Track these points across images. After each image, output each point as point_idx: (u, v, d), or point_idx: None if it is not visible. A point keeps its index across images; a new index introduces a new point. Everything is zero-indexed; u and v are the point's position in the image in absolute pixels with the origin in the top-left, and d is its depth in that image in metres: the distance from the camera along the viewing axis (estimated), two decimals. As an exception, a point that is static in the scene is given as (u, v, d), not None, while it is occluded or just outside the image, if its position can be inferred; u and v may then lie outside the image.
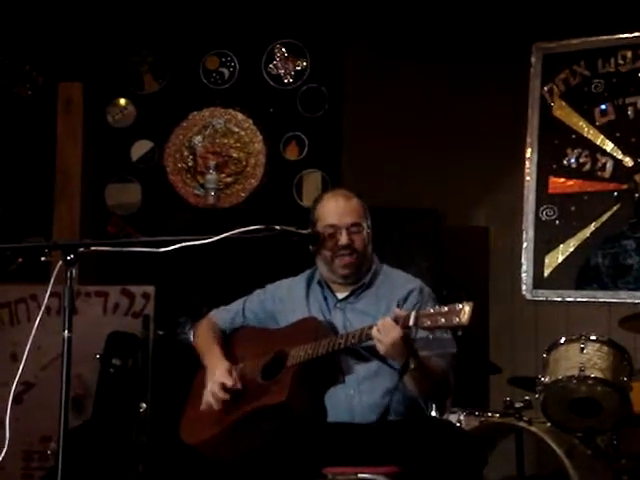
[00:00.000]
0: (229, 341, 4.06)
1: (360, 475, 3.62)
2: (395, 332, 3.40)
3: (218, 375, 3.80)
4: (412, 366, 3.50)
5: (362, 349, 3.69)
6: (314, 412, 3.70)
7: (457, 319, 3.28)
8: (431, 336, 3.53)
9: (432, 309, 3.40)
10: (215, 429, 3.80)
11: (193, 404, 4.01)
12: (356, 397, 3.70)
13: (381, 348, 3.45)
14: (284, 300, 3.97)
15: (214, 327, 4.08)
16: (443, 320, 3.32)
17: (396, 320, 3.42)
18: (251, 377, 3.81)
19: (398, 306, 3.67)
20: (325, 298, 3.89)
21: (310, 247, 3.85)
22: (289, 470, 3.48)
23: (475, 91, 6.17)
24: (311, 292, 3.93)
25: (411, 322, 3.40)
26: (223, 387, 3.76)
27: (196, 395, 4.01)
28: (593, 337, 4.59)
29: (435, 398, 3.86)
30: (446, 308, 3.33)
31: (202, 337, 4.07)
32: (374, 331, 3.45)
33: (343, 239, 3.75)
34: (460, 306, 3.29)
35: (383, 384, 3.71)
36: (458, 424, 4.74)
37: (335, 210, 3.80)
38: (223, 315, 4.10)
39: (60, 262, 3.08)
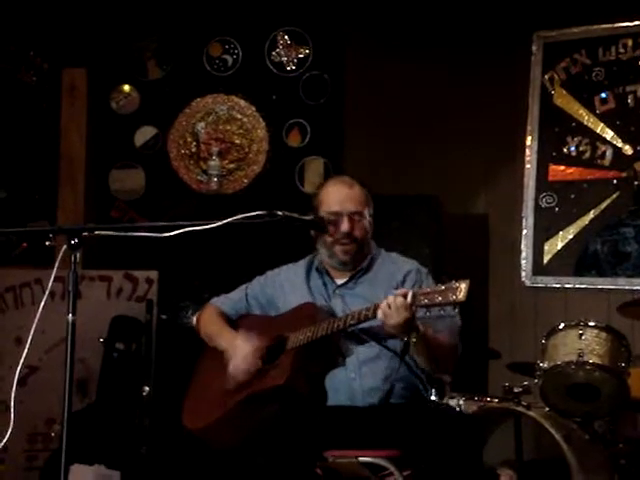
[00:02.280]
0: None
1: (361, 459, 3.67)
2: (407, 313, 3.43)
3: (244, 347, 3.80)
4: (414, 340, 3.55)
5: (362, 333, 3.72)
6: (314, 395, 3.73)
7: (454, 296, 3.31)
8: (428, 313, 3.56)
9: (429, 287, 3.45)
10: (216, 414, 3.83)
11: (195, 391, 4.04)
12: (357, 380, 3.73)
13: (389, 326, 3.49)
14: (284, 286, 4.00)
15: (219, 313, 4.09)
16: (440, 298, 3.36)
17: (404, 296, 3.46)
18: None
19: (397, 289, 3.68)
20: (325, 284, 3.92)
21: (312, 232, 3.89)
22: (291, 453, 3.50)
23: (476, 79, 6.17)
24: (311, 278, 3.96)
25: (408, 300, 3.43)
26: (255, 353, 3.78)
27: (198, 382, 4.04)
28: (592, 323, 4.62)
29: (444, 364, 3.85)
30: (443, 286, 3.36)
31: (210, 323, 4.08)
32: (382, 309, 3.47)
33: (344, 226, 3.78)
34: (457, 284, 3.33)
35: (384, 368, 3.74)
36: (457, 409, 4.77)
37: (337, 197, 3.83)
38: (226, 302, 4.12)
39: (64, 246, 3.10)
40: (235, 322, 4.07)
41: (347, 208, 3.81)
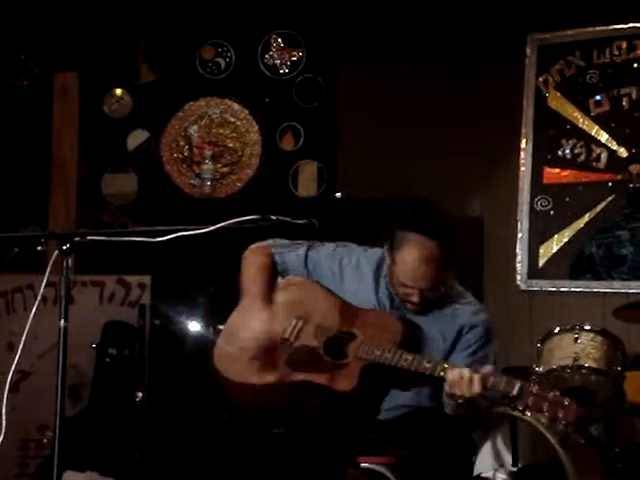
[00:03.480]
0: (294, 290, 3.91)
1: (362, 465, 3.64)
2: (473, 392, 3.36)
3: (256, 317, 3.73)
4: (460, 402, 3.46)
5: None
6: (365, 408, 3.68)
7: (562, 413, 3.23)
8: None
9: (540, 389, 3.32)
10: (264, 379, 3.69)
11: (237, 331, 3.87)
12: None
13: (452, 393, 3.41)
14: (350, 271, 3.85)
15: (269, 265, 3.93)
16: (546, 407, 3.26)
17: (484, 379, 3.36)
18: (313, 344, 3.71)
19: (460, 333, 3.66)
20: (390, 293, 3.76)
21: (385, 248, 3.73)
22: (327, 452, 3.48)
23: (470, 82, 6.16)
24: (380, 279, 3.80)
25: (515, 392, 3.34)
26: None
27: (244, 318, 3.88)
28: (587, 327, 4.60)
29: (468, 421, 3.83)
30: (551, 395, 3.27)
31: (253, 267, 3.94)
32: (454, 374, 3.38)
33: (414, 299, 3.63)
34: (567, 402, 3.24)
35: (407, 398, 3.71)
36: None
37: (412, 274, 3.59)
38: (283, 253, 3.95)
39: (56, 252, 3.08)
40: (304, 285, 3.90)
41: (420, 286, 3.61)
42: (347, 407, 3.58)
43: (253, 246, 4.02)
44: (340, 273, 3.85)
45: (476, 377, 3.34)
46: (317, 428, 3.49)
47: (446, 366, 3.42)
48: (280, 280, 3.94)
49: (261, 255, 3.98)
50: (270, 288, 3.89)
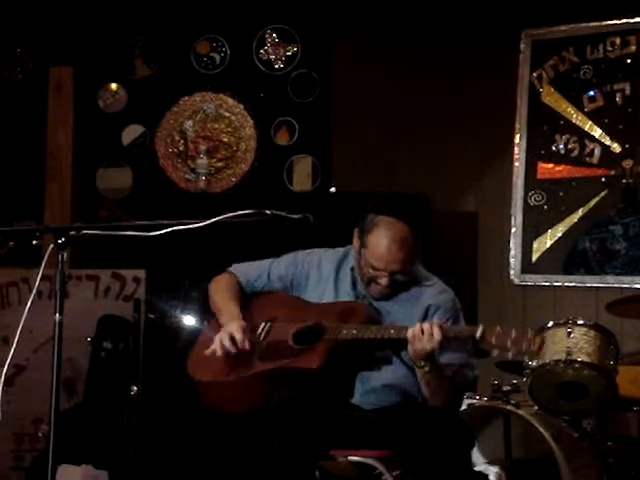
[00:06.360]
0: (260, 301, 4.01)
1: (351, 458, 3.65)
2: (433, 344, 3.45)
3: (230, 326, 3.75)
4: (426, 369, 3.54)
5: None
6: (340, 389, 3.71)
7: (526, 345, 3.35)
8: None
9: (501, 328, 3.43)
10: (233, 375, 3.75)
11: (206, 345, 3.92)
12: (359, 384, 3.74)
13: (414, 348, 3.49)
14: (312, 272, 3.95)
15: (234, 284, 4.03)
16: (509, 343, 3.37)
17: (442, 328, 3.46)
18: (282, 338, 3.76)
19: (427, 314, 3.72)
20: (354, 284, 3.87)
21: (355, 235, 3.82)
22: (295, 444, 3.45)
23: (464, 77, 6.16)
24: (341, 274, 3.90)
25: (477, 334, 3.44)
26: (231, 338, 3.71)
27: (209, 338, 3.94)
28: (580, 321, 4.61)
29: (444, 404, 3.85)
30: (513, 332, 3.39)
31: (220, 294, 4.01)
32: (414, 329, 3.47)
33: (384, 282, 3.71)
34: (530, 335, 3.36)
35: (384, 379, 3.74)
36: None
37: (384, 256, 3.67)
38: (247, 273, 4.06)
39: (51, 246, 3.09)
40: (265, 296, 4.02)
41: (391, 268, 3.69)
42: (319, 389, 3.59)
43: (216, 278, 4.12)
44: (304, 275, 3.95)
45: (435, 326, 3.45)
46: (287, 416, 3.48)
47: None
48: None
49: (225, 277, 4.09)
50: (241, 301, 3.97)
